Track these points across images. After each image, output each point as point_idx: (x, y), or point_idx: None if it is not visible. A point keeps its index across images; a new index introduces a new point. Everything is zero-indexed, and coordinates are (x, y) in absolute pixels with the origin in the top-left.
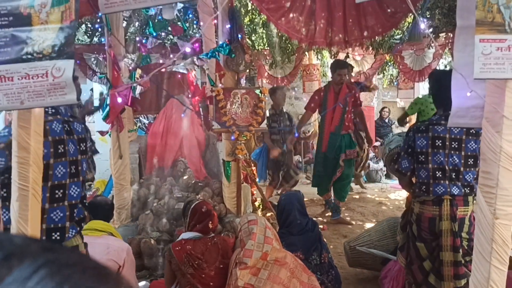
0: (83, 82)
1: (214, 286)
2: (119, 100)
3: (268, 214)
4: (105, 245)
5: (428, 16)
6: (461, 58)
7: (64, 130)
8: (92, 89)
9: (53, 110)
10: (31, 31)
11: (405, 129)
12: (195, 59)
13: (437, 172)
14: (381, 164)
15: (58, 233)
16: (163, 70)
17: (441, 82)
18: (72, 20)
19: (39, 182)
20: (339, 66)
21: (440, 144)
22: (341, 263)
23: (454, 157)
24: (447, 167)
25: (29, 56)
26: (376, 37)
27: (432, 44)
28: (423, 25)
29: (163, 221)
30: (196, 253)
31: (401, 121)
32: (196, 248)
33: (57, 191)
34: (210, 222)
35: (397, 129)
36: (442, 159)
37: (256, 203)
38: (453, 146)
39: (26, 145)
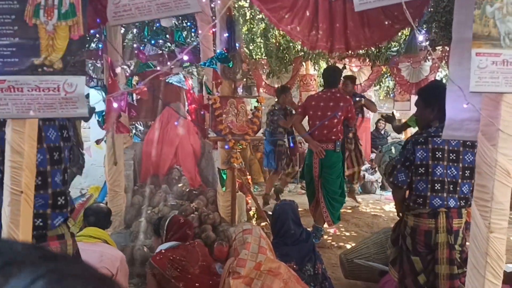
0: None
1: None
2: (115, 105)
3: (263, 224)
4: (99, 252)
5: (425, 29)
6: (457, 71)
7: None
8: (88, 94)
9: None
10: (39, 43)
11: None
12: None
13: (436, 185)
14: (376, 175)
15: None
16: (161, 77)
17: (440, 94)
18: (80, 35)
19: (32, 187)
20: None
21: (440, 156)
22: (334, 274)
23: (453, 169)
24: (446, 180)
25: (39, 70)
26: (372, 47)
27: (429, 57)
28: (421, 37)
29: None
30: (178, 257)
31: (399, 130)
32: (176, 253)
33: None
34: (188, 229)
35: (392, 141)
36: (442, 171)
37: (251, 212)
38: (451, 158)
39: (19, 149)
